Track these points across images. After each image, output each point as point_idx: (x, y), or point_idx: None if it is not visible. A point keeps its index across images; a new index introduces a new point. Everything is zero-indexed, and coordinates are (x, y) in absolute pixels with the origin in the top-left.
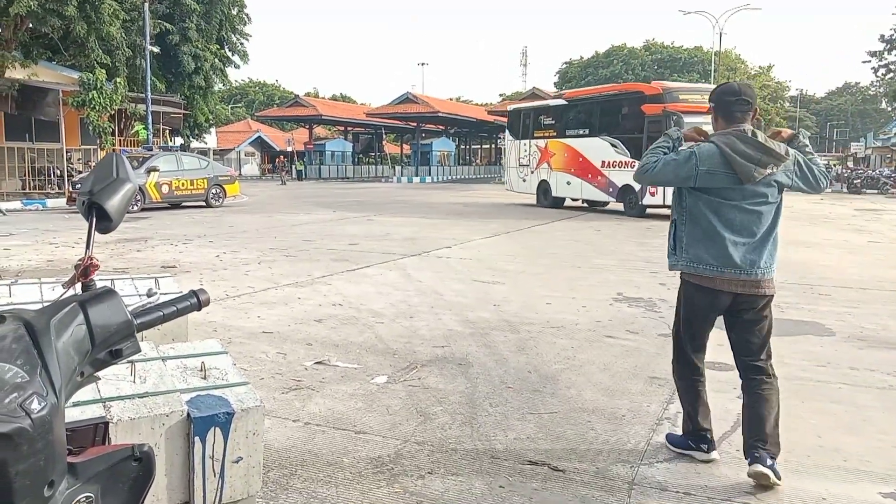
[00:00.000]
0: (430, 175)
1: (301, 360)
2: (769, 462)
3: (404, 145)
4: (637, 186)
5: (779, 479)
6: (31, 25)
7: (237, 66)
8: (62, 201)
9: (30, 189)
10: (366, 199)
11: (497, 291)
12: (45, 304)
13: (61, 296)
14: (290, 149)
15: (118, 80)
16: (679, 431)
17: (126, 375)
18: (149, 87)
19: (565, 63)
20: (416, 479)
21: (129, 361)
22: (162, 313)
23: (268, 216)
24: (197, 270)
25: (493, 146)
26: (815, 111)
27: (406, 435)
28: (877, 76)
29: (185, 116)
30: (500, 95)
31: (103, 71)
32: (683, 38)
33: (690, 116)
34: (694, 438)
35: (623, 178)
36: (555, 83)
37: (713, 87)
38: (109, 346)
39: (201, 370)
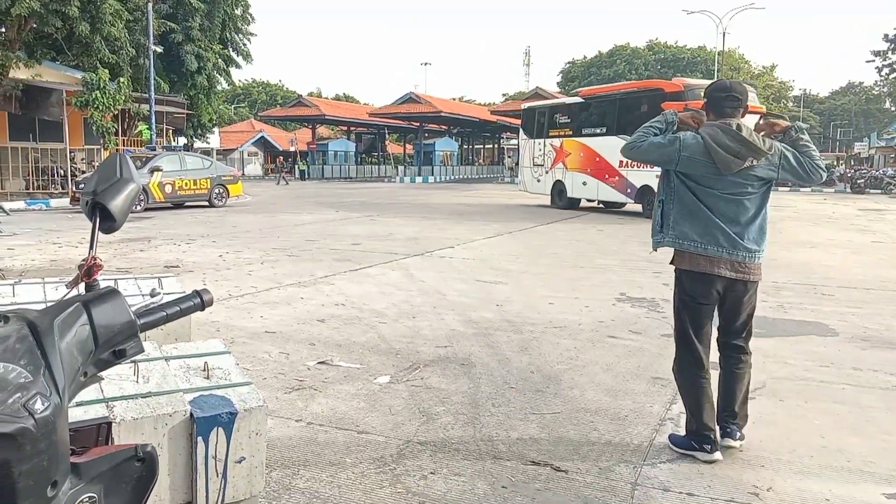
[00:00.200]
0: (432, 175)
1: (304, 359)
2: (737, 435)
3: (407, 145)
4: (656, 187)
5: (742, 440)
6: (34, 25)
7: (239, 67)
8: (66, 201)
9: (33, 189)
10: (369, 199)
11: (500, 291)
12: (49, 305)
13: (65, 296)
14: (293, 148)
15: (121, 79)
16: (682, 432)
17: (129, 375)
18: (152, 87)
19: (568, 63)
20: (418, 479)
21: (132, 361)
22: (165, 313)
23: (271, 216)
24: (200, 270)
25: (495, 146)
26: (819, 111)
27: (409, 435)
28: (881, 76)
29: (188, 116)
30: (503, 95)
31: (106, 71)
32: (687, 38)
33: None
34: (697, 438)
35: (642, 178)
36: (558, 83)
37: (736, 82)
38: (113, 347)
39: (204, 370)
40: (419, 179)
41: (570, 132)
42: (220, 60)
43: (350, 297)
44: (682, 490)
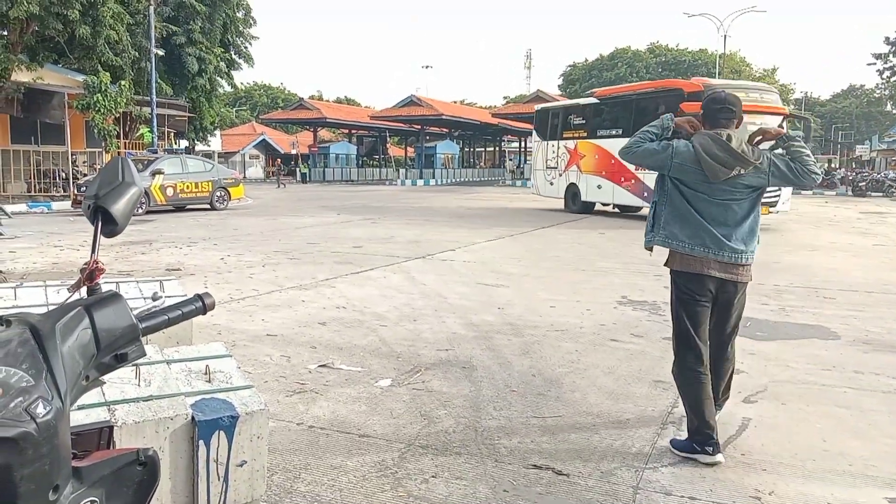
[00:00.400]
0: (434, 178)
1: (305, 363)
2: (716, 414)
3: (408, 148)
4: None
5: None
6: (36, 29)
7: (240, 68)
8: (67, 204)
9: (35, 192)
10: (370, 201)
11: (501, 294)
12: (51, 308)
13: (67, 300)
14: (294, 151)
15: (123, 82)
16: (683, 436)
17: (131, 379)
18: (154, 90)
19: (569, 66)
20: (419, 482)
21: (133, 364)
22: (167, 317)
23: (272, 219)
24: (201, 273)
25: (497, 149)
26: (820, 113)
27: (410, 438)
28: (882, 78)
29: (189, 119)
30: (505, 98)
31: (107, 74)
32: (688, 41)
33: None
34: (699, 440)
35: None
36: (559, 86)
37: (761, 85)
38: (115, 350)
39: (206, 373)
40: (420, 182)
41: (585, 134)
42: (221, 63)
43: (351, 300)
44: (683, 494)
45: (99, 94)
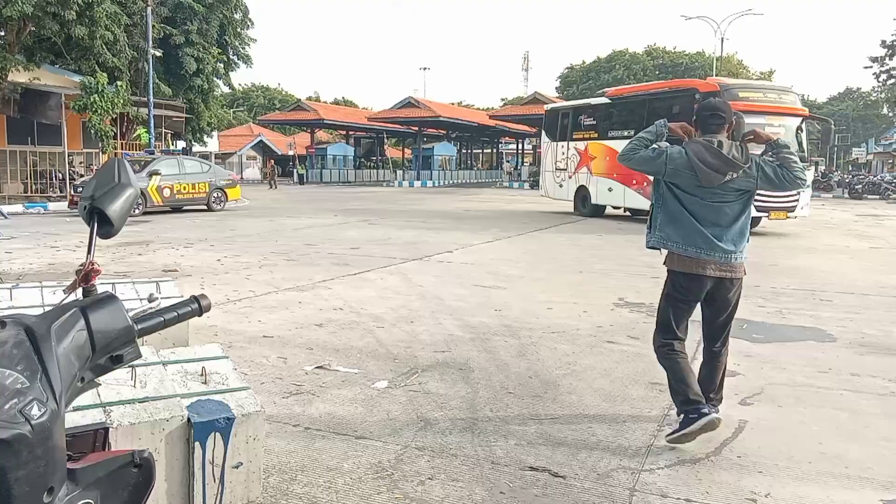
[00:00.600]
0: (431, 179)
1: (301, 364)
2: (715, 412)
3: (406, 149)
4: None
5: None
6: (33, 29)
7: (237, 69)
8: (64, 205)
9: (32, 192)
10: (367, 203)
11: (498, 296)
12: (47, 310)
13: (62, 301)
14: (291, 152)
15: (120, 83)
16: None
17: (127, 380)
18: (151, 91)
19: (567, 68)
20: (416, 484)
21: (129, 366)
22: (163, 319)
23: (269, 220)
24: (198, 274)
25: (494, 151)
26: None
27: (406, 440)
28: (878, 82)
29: (187, 120)
30: (502, 100)
31: (105, 75)
32: (685, 44)
33: (751, 116)
34: (691, 411)
35: None
36: (556, 88)
37: (779, 85)
38: (110, 352)
39: (202, 375)
40: (418, 184)
41: (596, 135)
42: (219, 65)
43: (348, 301)
44: (679, 496)
45: (96, 95)
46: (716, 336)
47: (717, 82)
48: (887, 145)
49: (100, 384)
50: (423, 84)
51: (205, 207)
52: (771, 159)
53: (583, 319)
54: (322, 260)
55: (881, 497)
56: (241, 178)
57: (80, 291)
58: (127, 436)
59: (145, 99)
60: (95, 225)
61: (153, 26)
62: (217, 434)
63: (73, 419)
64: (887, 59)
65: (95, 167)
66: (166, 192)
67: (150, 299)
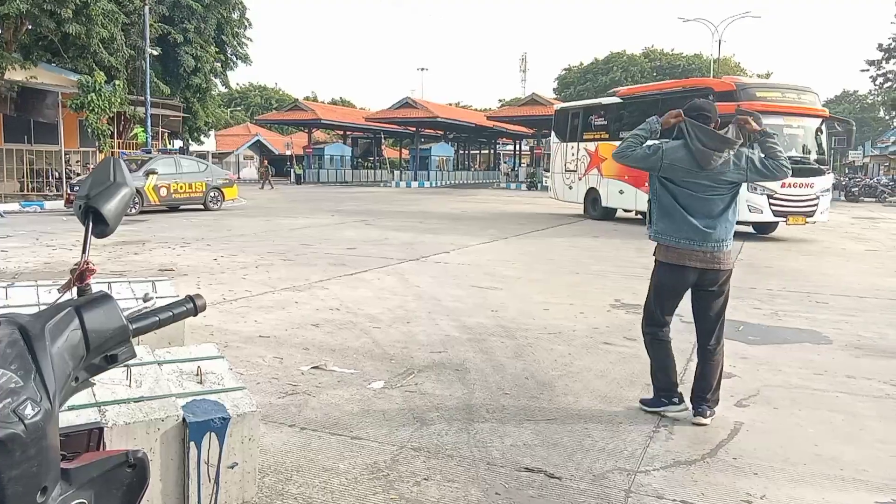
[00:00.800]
0: (428, 180)
1: (298, 364)
2: (708, 413)
3: (403, 150)
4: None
5: (713, 416)
6: (29, 27)
7: (235, 66)
8: (60, 203)
9: (28, 191)
10: (364, 203)
11: (495, 297)
12: (41, 309)
13: (57, 300)
14: (289, 152)
15: (117, 82)
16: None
17: (122, 379)
18: (148, 90)
19: (564, 69)
20: (412, 485)
21: (125, 365)
22: (158, 318)
23: (266, 220)
24: (194, 274)
25: (491, 151)
26: None
27: (402, 441)
28: (875, 85)
29: (184, 119)
30: (500, 101)
31: (102, 73)
32: (683, 46)
33: (769, 117)
34: (666, 395)
35: None
36: (554, 89)
37: (799, 84)
38: (105, 352)
39: (197, 374)
40: (415, 184)
41: (607, 135)
42: (217, 64)
43: (345, 301)
44: (675, 497)
45: (93, 94)
46: (708, 331)
47: (733, 81)
48: (883, 148)
49: (94, 384)
50: (420, 84)
51: (201, 207)
52: (756, 150)
53: (579, 321)
54: (319, 260)
55: (876, 499)
56: (238, 177)
57: (74, 291)
58: (122, 435)
59: (142, 98)
60: (90, 224)
61: (151, 25)
62: (212, 434)
63: (67, 418)
64: (884, 62)
65: (92, 166)
66: (163, 192)
67: (145, 299)
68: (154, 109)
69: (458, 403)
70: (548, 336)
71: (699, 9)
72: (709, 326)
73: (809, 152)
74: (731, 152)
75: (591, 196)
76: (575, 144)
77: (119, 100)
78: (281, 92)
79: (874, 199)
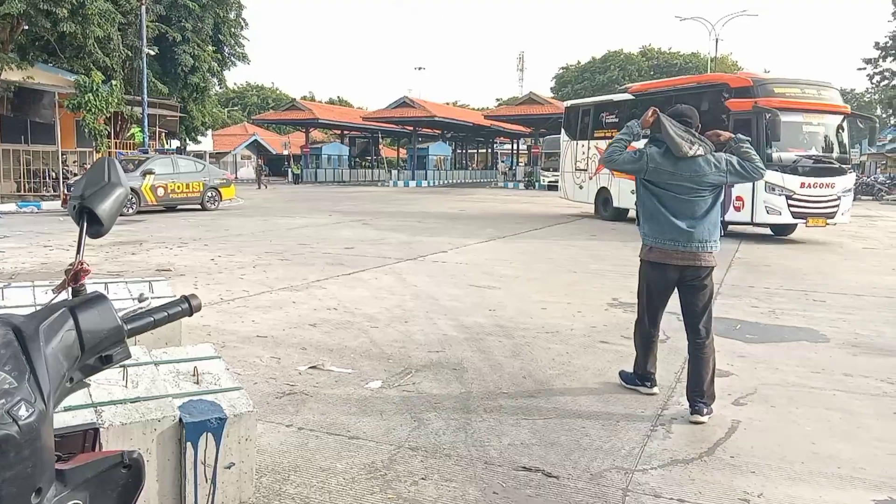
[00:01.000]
0: (426, 179)
1: (295, 364)
2: (705, 412)
3: (401, 149)
4: (719, 200)
5: (711, 414)
6: (26, 28)
7: (234, 65)
8: (57, 204)
9: (25, 191)
10: (362, 202)
11: (492, 296)
12: (35, 309)
13: (51, 300)
14: (286, 152)
15: (114, 82)
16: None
17: (118, 380)
18: (145, 90)
19: (562, 68)
20: (409, 484)
21: (121, 366)
22: (153, 318)
23: (263, 220)
24: (192, 274)
25: (489, 151)
26: None
27: (400, 440)
28: (872, 83)
29: (181, 119)
30: (497, 100)
31: (99, 73)
32: (680, 44)
33: (788, 114)
34: (641, 377)
35: None
36: (551, 88)
37: (819, 80)
38: (99, 352)
39: (194, 375)
40: (412, 183)
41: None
42: (214, 64)
43: (342, 301)
44: (672, 496)
45: (90, 94)
46: (696, 324)
47: (749, 77)
48: (881, 147)
49: (89, 384)
50: (418, 84)
51: (199, 207)
52: (733, 156)
53: (577, 320)
54: (316, 260)
55: (873, 497)
56: (236, 177)
57: (69, 291)
58: (118, 436)
59: (139, 98)
60: (85, 224)
61: (147, 24)
62: (209, 434)
63: (63, 419)
64: (881, 60)
65: (89, 166)
66: (160, 192)
67: (141, 299)
68: (151, 109)
69: (455, 403)
70: (545, 335)
71: (696, 7)
72: (696, 320)
73: (830, 150)
74: (702, 149)
75: (603, 196)
76: (585, 143)
77: (116, 100)
78: (278, 91)
79: (871, 198)
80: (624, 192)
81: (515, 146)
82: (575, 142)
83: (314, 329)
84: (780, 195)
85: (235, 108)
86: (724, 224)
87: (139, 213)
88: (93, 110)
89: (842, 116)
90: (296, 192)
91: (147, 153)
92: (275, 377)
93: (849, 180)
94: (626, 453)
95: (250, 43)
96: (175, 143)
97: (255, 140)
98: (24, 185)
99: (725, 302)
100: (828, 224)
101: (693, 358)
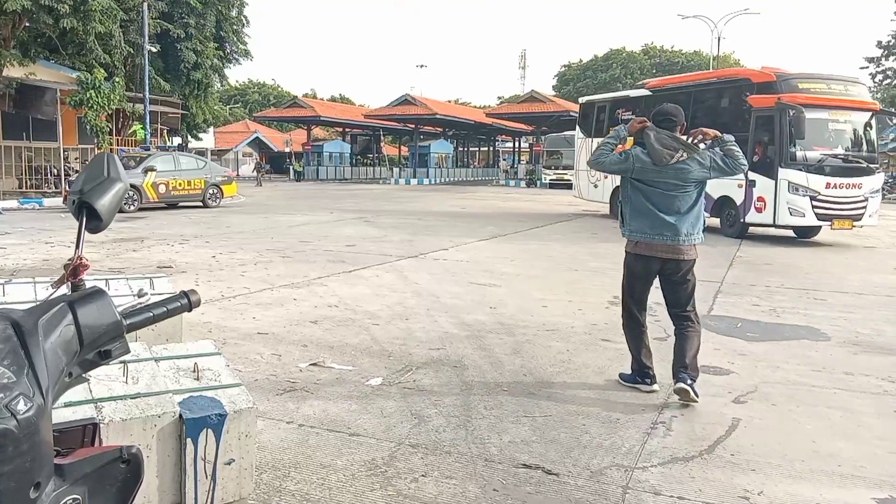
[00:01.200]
0: (427, 177)
1: (296, 361)
2: (689, 381)
3: (402, 147)
4: (739, 200)
5: (697, 396)
6: (27, 24)
7: (239, 63)
8: (59, 200)
9: (27, 188)
10: (363, 200)
11: (493, 294)
12: (34, 304)
13: (50, 296)
14: (288, 149)
15: (117, 79)
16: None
17: (118, 376)
18: (147, 87)
19: (564, 66)
20: (409, 481)
21: (121, 362)
22: (152, 314)
23: (265, 217)
24: (193, 271)
25: (490, 149)
26: None
27: (400, 437)
28: (874, 82)
29: (183, 116)
30: (499, 98)
31: (102, 70)
32: (682, 43)
33: (813, 111)
34: (640, 374)
35: (720, 188)
36: (553, 86)
37: (847, 76)
38: (98, 347)
39: (194, 371)
40: (414, 181)
41: None
42: (215, 60)
43: (343, 298)
44: (672, 494)
45: (92, 91)
46: (682, 314)
47: (773, 72)
48: (883, 145)
49: (88, 379)
50: (419, 82)
51: (200, 204)
52: (718, 151)
53: (577, 317)
54: (317, 257)
55: (873, 495)
56: (237, 174)
57: (68, 286)
58: (118, 432)
59: (141, 95)
60: (84, 219)
61: (149, 22)
62: (209, 430)
63: (64, 415)
64: (883, 59)
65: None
66: (161, 189)
67: (140, 294)
68: (153, 106)
69: (456, 400)
70: (546, 333)
71: (698, 6)
72: (681, 311)
73: (858, 149)
74: (686, 154)
75: (618, 195)
76: (601, 140)
77: (118, 97)
78: (280, 89)
79: None
80: None
81: (517, 144)
82: (590, 139)
83: (315, 326)
84: (804, 196)
85: (237, 105)
86: (745, 226)
87: (141, 210)
88: (95, 107)
89: (870, 113)
90: (297, 189)
91: (149, 150)
92: (275, 374)
93: (877, 181)
94: (626, 451)
95: (252, 40)
96: (177, 140)
97: (257, 137)
98: (26, 182)
99: (726, 300)
100: (854, 226)
101: (678, 337)
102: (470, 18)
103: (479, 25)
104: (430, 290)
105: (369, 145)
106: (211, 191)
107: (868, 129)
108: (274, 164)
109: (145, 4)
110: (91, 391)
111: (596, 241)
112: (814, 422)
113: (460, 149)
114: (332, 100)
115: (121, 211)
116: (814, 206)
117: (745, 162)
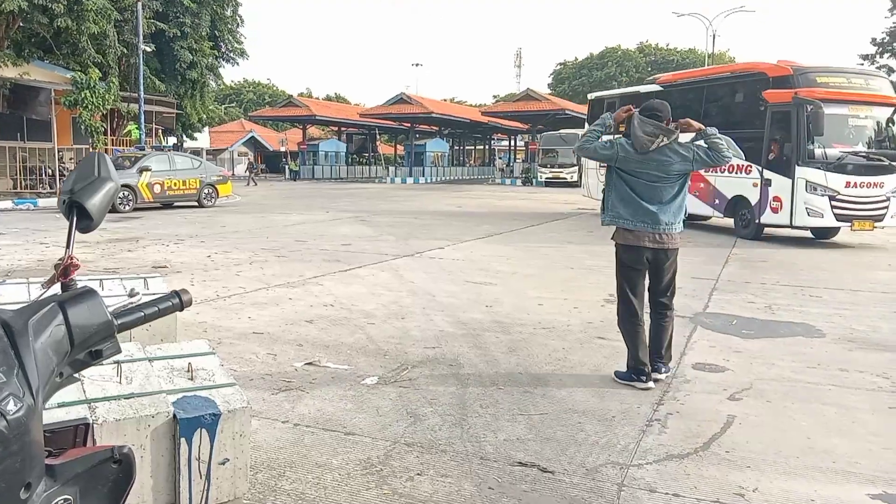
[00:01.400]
0: (423, 176)
1: (291, 360)
2: (663, 370)
3: (398, 146)
4: (754, 200)
5: (668, 373)
6: (21, 24)
7: (235, 63)
8: (53, 201)
9: (21, 188)
10: (359, 199)
11: (489, 292)
12: (24, 304)
13: (40, 296)
14: (283, 149)
15: (112, 79)
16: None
17: (112, 376)
18: (142, 87)
19: (559, 64)
20: (405, 480)
21: (115, 362)
22: (143, 314)
23: (260, 216)
24: (188, 271)
25: (486, 147)
26: None
27: (396, 436)
28: None
29: (178, 116)
30: (494, 97)
31: (96, 70)
32: (677, 40)
33: (832, 106)
34: (635, 372)
35: (734, 187)
36: (548, 84)
37: (867, 69)
38: (89, 347)
39: (188, 371)
40: (410, 180)
41: None
42: (211, 60)
43: (339, 297)
44: (668, 491)
45: (87, 91)
46: (661, 300)
47: (789, 65)
48: None
49: (79, 379)
50: (415, 80)
51: (195, 204)
52: (702, 144)
53: (573, 315)
54: (313, 256)
55: (867, 491)
56: (233, 174)
57: (59, 286)
58: (112, 432)
59: (136, 95)
60: (75, 219)
61: (143, 22)
62: (203, 430)
63: (57, 415)
64: (878, 56)
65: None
66: (156, 189)
67: (131, 294)
68: (148, 106)
69: (451, 398)
70: (542, 331)
71: (693, 3)
72: (661, 297)
73: (880, 146)
74: (666, 139)
75: None
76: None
77: (112, 97)
78: (275, 88)
79: None
80: None
81: (513, 143)
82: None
83: (310, 325)
84: (822, 195)
85: (232, 104)
86: (761, 227)
87: (135, 210)
88: (89, 107)
89: (892, 108)
90: (293, 188)
91: (143, 150)
92: (271, 373)
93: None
94: (621, 448)
95: (247, 40)
96: (172, 140)
97: (253, 137)
98: (21, 183)
99: (721, 297)
100: (875, 227)
101: (654, 325)
102: (465, 17)
103: (475, 24)
104: (426, 288)
105: (365, 144)
106: (206, 190)
107: (890, 124)
108: (269, 163)
109: (140, 4)
110: (85, 391)
111: (591, 240)
112: (808, 418)
113: (456, 147)
114: (328, 99)
115: (116, 211)
116: (833, 207)
117: (730, 154)
